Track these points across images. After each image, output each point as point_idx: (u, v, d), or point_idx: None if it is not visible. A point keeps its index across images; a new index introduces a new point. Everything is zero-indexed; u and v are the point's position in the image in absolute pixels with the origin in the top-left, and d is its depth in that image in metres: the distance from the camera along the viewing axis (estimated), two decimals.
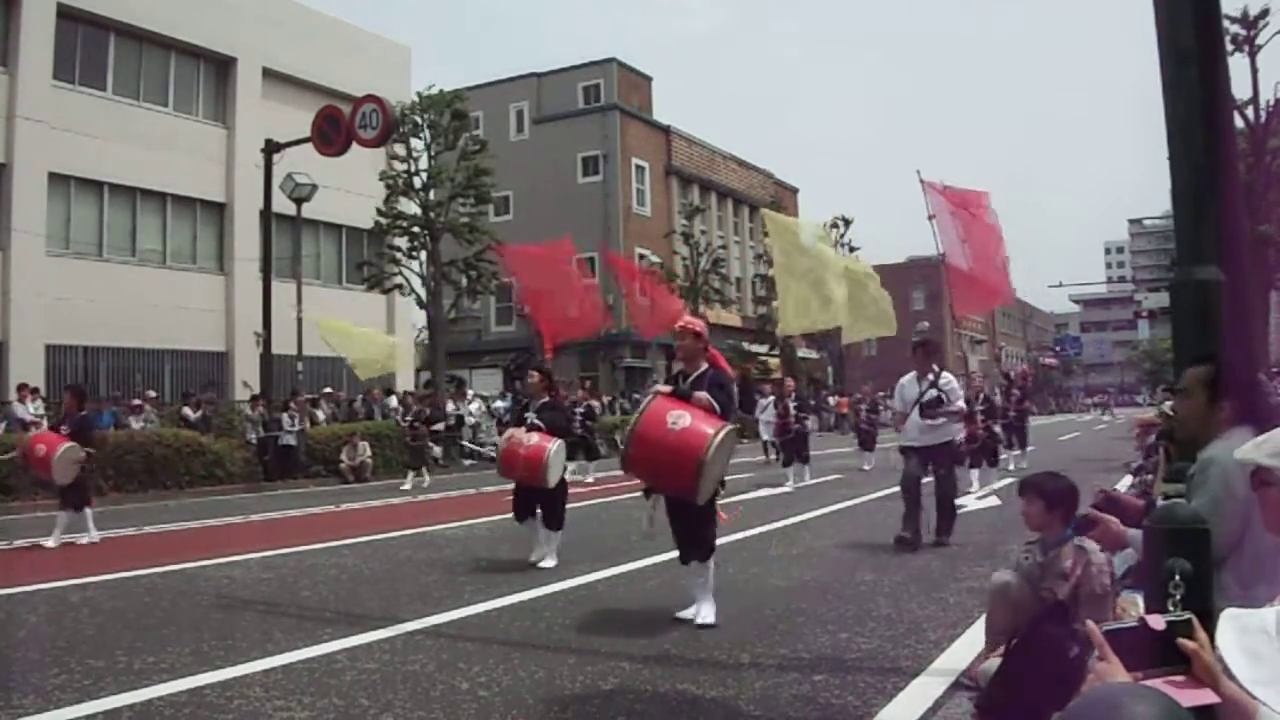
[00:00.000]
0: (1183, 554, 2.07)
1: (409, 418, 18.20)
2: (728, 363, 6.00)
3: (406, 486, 16.57)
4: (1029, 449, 17.40)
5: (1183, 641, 1.40)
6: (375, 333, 21.67)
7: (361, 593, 6.66)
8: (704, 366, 5.53)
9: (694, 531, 5.35)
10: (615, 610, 5.86)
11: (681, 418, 5.03)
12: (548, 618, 5.62)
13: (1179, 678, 1.37)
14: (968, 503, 11.24)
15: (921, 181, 9.01)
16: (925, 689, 3.99)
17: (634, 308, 12.03)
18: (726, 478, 5.58)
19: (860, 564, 7.27)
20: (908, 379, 8.37)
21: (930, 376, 8.16)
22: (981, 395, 13.50)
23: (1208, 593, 2.10)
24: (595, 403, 20.88)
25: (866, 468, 16.87)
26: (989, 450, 13.03)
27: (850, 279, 10.00)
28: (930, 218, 8.82)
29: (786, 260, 9.42)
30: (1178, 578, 1.99)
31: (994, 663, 3.36)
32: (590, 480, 15.74)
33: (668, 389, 5.40)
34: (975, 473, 12.54)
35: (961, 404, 8.32)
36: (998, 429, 15.05)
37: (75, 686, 4.28)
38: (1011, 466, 15.67)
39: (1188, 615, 1.44)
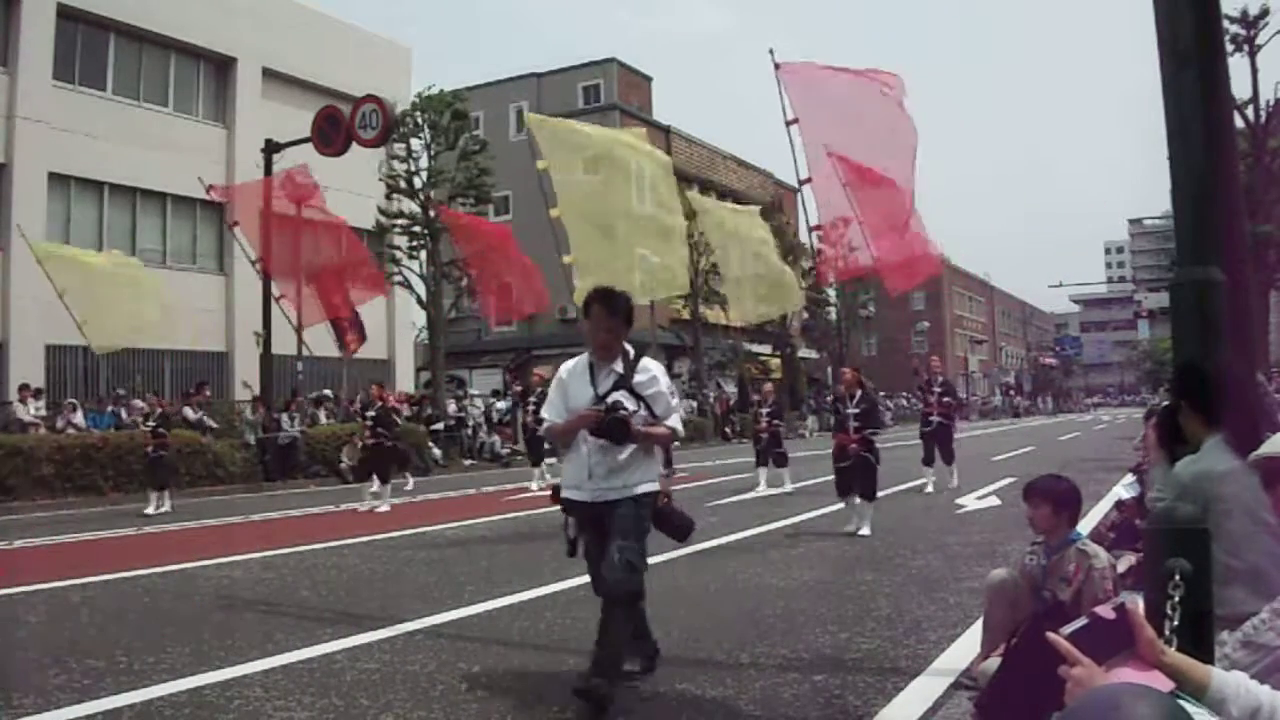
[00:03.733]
0: (1183, 554, 2.07)
1: (151, 423, 14.03)
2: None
3: (149, 510, 13.01)
4: (954, 465, 13.20)
5: (1131, 610, 1.42)
6: (135, 270, 15.85)
7: (361, 593, 6.66)
8: None
9: None
10: None
11: None
12: (548, 618, 5.61)
13: (1136, 664, 1.39)
14: (967, 503, 11.25)
15: (776, 67, 6.41)
16: (925, 689, 3.99)
17: (476, 280, 9.90)
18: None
19: (860, 564, 7.27)
20: (572, 368, 4.29)
21: (618, 367, 4.18)
22: (856, 395, 9.44)
23: (1208, 593, 2.10)
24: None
25: (929, 489, 12.62)
26: (867, 478, 9.13)
27: (727, 233, 7.70)
28: (790, 123, 6.21)
29: (569, 191, 6.56)
30: (1178, 578, 1.99)
31: (994, 662, 3.36)
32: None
33: None
34: (860, 502, 9.05)
35: (675, 422, 4.21)
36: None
37: (75, 686, 4.28)
38: (929, 488, 12.53)
39: (1122, 600, 1.48)
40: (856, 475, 9.14)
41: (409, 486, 15.57)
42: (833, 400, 10.42)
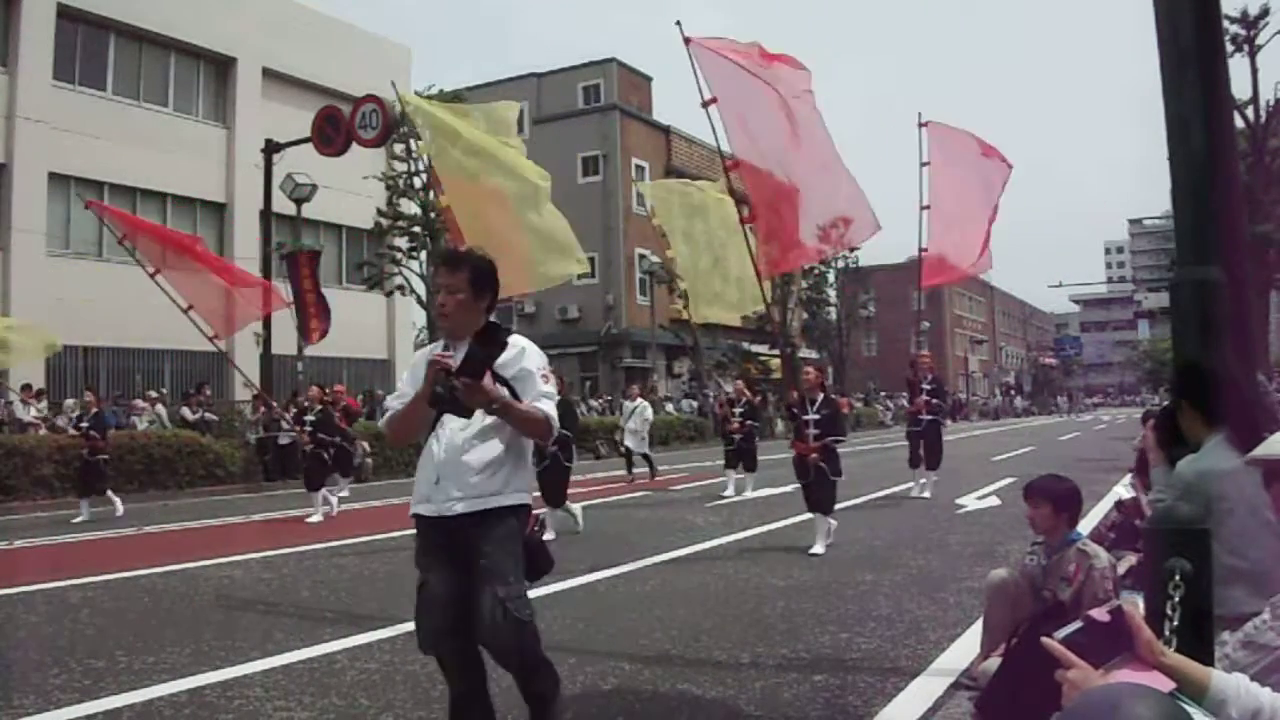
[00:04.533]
0: (1183, 554, 2.07)
1: (84, 424, 12.81)
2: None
3: (81, 518, 12.11)
4: (934, 474, 12.30)
5: (1128, 612, 1.41)
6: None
7: (361, 593, 6.66)
8: None
9: None
10: (615, 610, 5.85)
11: None
12: (548, 618, 5.60)
13: (1135, 665, 1.39)
14: (967, 503, 11.24)
15: (686, 41, 5.97)
16: (925, 689, 3.99)
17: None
18: None
19: (860, 564, 7.27)
20: (427, 353, 3.27)
21: (488, 349, 3.01)
22: (818, 399, 8.33)
23: (1208, 593, 2.10)
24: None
25: (924, 494, 11.99)
26: (824, 491, 8.14)
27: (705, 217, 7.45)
28: (708, 104, 5.89)
29: (451, 179, 6.27)
30: (1178, 578, 1.99)
31: (994, 662, 3.36)
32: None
33: None
34: (817, 516, 8.14)
35: (547, 407, 3.10)
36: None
37: (75, 686, 4.28)
38: (923, 493, 11.98)
39: (1117, 603, 1.47)
40: (814, 489, 8.19)
41: (344, 492, 13.90)
42: (788, 405, 8.64)
